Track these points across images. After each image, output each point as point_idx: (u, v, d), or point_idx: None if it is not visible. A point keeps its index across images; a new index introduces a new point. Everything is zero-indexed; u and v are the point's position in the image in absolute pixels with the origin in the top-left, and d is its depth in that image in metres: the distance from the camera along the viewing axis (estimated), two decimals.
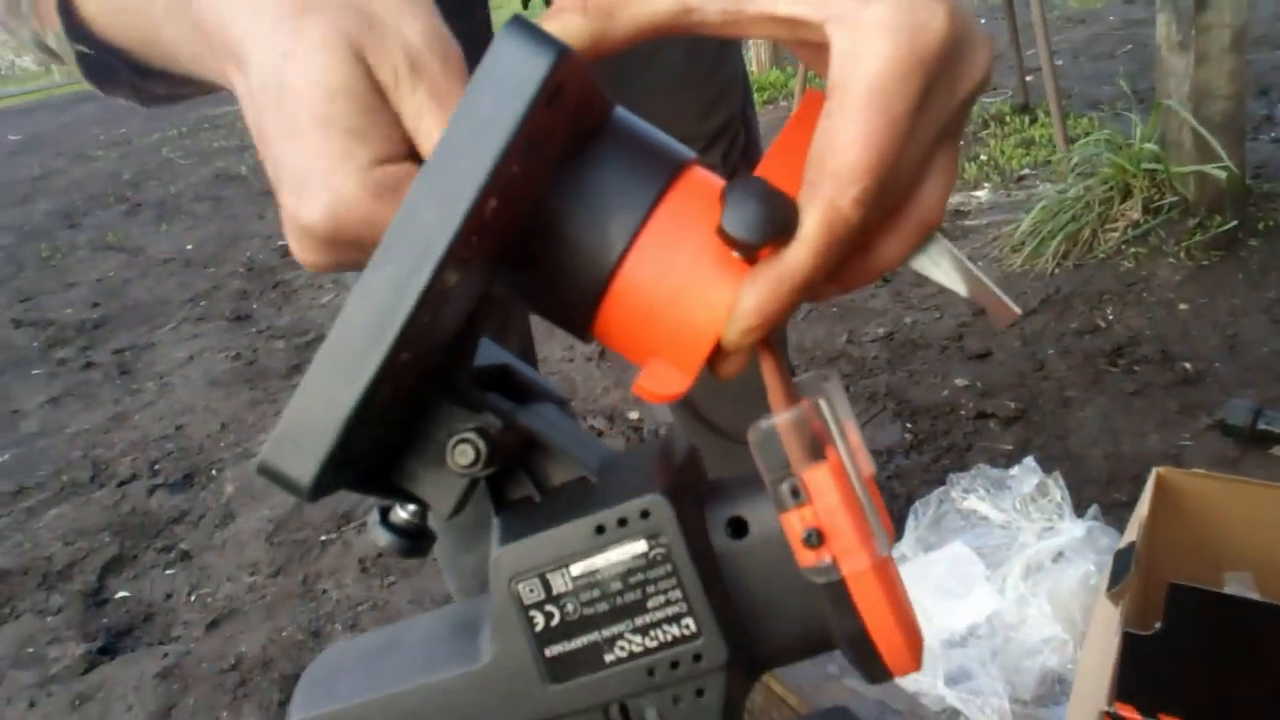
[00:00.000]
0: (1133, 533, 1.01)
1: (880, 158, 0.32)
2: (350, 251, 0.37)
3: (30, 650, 1.58)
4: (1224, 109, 1.75)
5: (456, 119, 0.32)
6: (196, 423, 2.30)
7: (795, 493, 0.32)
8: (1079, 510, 1.23)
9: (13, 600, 1.73)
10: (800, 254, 0.33)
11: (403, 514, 0.38)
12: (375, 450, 0.35)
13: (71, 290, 3.52)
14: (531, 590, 0.35)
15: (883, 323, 1.99)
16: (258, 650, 1.48)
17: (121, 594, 1.70)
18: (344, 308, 0.32)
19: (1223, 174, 1.73)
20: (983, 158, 2.67)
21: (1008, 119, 2.86)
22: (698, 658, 0.34)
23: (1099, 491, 1.41)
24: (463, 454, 0.35)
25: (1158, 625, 0.84)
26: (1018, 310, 0.40)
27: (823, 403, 0.33)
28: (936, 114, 0.33)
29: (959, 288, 0.38)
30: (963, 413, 1.64)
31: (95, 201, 4.88)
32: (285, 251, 3.50)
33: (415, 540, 0.38)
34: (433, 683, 0.37)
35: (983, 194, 2.41)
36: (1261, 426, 1.42)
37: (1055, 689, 1.07)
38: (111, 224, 4.37)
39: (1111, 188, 1.89)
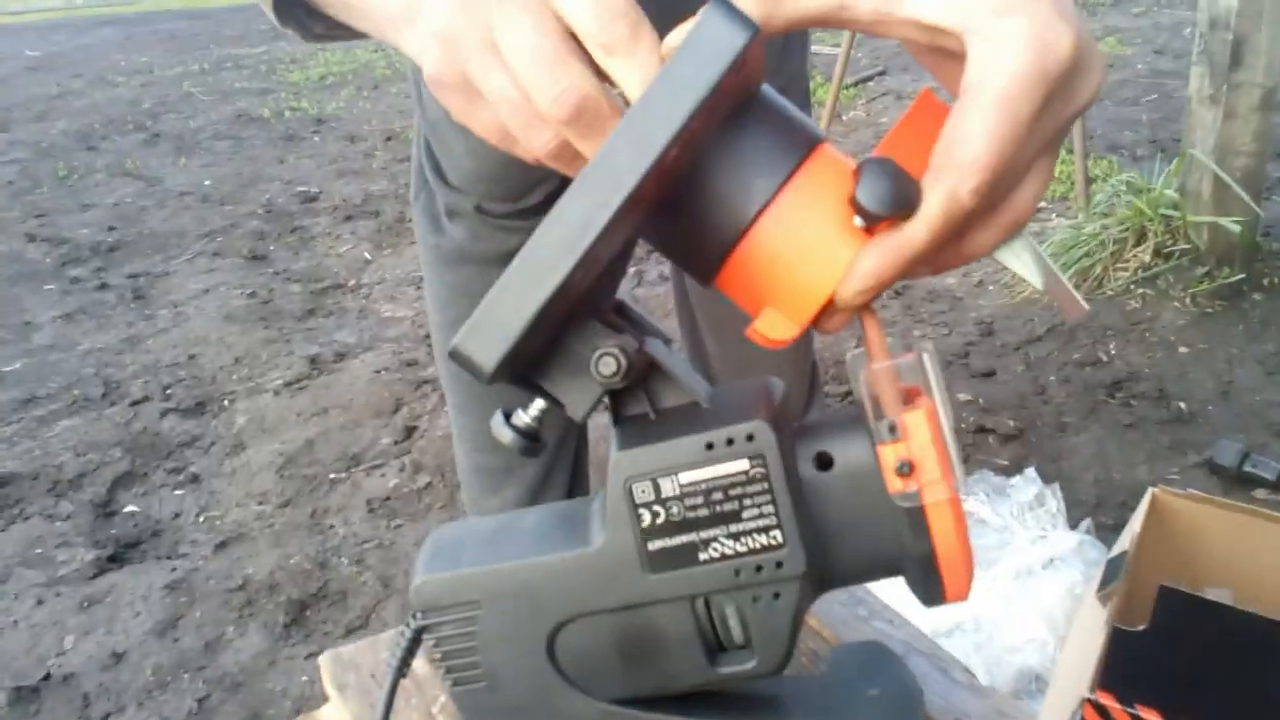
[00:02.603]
0: (1124, 543, 1.08)
1: (1001, 155, 0.36)
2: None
3: (39, 551, 1.62)
4: (1245, 165, 1.82)
5: (661, 77, 0.36)
6: (210, 354, 2.33)
7: (892, 429, 0.38)
8: (1071, 524, 1.29)
9: (22, 503, 1.76)
10: (919, 230, 0.37)
11: (524, 417, 0.43)
12: (533, 353, 0.41)
13: (87, 212, 3.53)
14: (644, 491, 0.40)
15: (891, 333, 2.05)
16: (265, 574, 1.53)
17: (130, 508, 1.74)
18: (542, 223, 0.37)
19: (1237, 228, 1.80)
20: None
21: None
22: (779, 565, 0.40)
23: (1086, 513, 1.47)
24: (606, 365, 0.40)
25: (1144, 625, 0.91)
26: (1086, 306, 0.45)
27: (925, 358, 0.39)
28: (1049, 124, 0.38)
29: (1036, 280, 0.42)
30: (963, 426, 1.70)
31: (114, 127, 4.87)
32: (304, 198, 3.52)
33: (530, 441, 0.43)
34: (547, 560, 0.42)
35: None
36: (1247, 469, 1.49)
37: (1032, 685, 1.14)
38: (129, 151, 4.37)
39: (1127, 229, 1.96)
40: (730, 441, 0.39)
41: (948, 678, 0.60)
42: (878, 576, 0.43)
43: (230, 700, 1.30)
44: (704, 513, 0.40)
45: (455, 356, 0.38)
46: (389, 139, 4.17)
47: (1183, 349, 1.82)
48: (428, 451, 1.83)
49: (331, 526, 1.65)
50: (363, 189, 3.55)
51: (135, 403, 2.10)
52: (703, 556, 0.40)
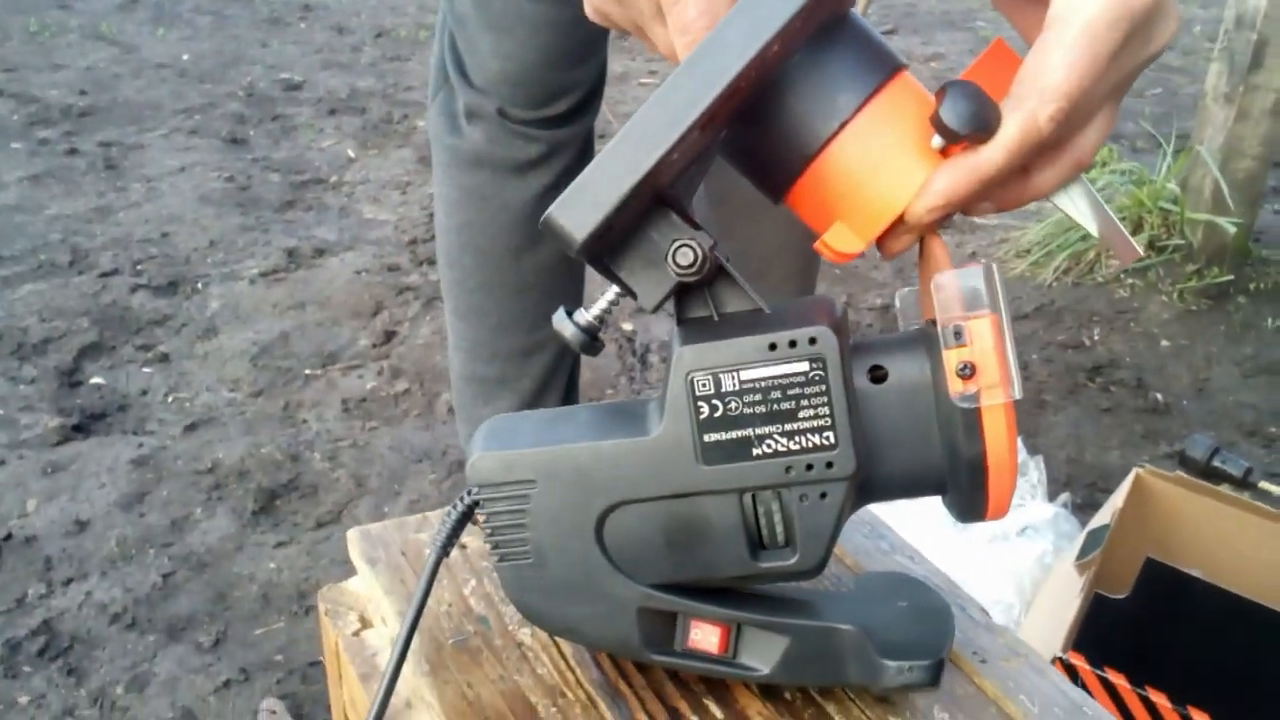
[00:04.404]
0: (1105, 517, 1.10)
1: (1079, 85, 0.37)
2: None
3: (1, 412, 1.57)
4: (1249, 168, 1.84)
5: None
6: (184, 234, 2.26)
7: (958, 334, 0.39)
8: (1049, 497, 1.32)
9: None
10: (995, 151, 0.38)
11: (586, 315, 0.44)
12: (616, 237, 0.41)
13: (58, 72, 3.38)
14: (704, 385, 0.41)
15: (882, 295, 2.06)
16: (235, 460, 1.50)
17: (96, 380, 1.70)
18: (646, 102, 0.38)
19: (1233, 229, 1.83)
20: None
21: None
22: (830, 465, 0.41)
23: (1056, 490, 1.50)
24: (683, 255, 0.41)
25: (1125, 593, 0.93)
26: (1140, 250, 0.47)
27: (994, 268, 0.40)
28: (1123, 64, 0.39)
29: (1090, 225, 0.44)
30: None
31: None
32: (287, 85, 3.41)
33: (591, 339, 0.44)
34: (604, 445, 0.43)
35: None
36: (1215, 464, 1.52)
37: None
38: (105, 14, 4.17)
39: (1125, 219, 1.98)
40: (793, 344, 0.40)
41: (965, 614, 0.60)
42: (919, 493, 0.44)
43: (195, 579, 1.28)
44: (761, 410, 0.41)
45: (547, 226, 0.39)
46: (379, 35, 4.04)
47: (1165, 342, 1.86)
48: (407, 358, 1.80)
49: (305, 421, 1.63)
50: (349, 83, 3.44)
51: (104, 274, 2.03)
52: (756, 452, 0.41)
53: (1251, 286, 1.97)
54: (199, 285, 2.04)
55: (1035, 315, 1.95)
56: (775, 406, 0.41)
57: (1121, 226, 0.44)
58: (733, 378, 0.41)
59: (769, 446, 0.41)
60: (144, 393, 1.67)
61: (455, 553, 0.58)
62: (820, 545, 0.42)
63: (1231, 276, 1.93)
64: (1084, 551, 1.04)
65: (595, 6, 0.45)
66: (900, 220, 0.41)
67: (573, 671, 0.49)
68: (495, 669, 0.49)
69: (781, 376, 0.40)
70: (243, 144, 2.87)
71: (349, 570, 0.58)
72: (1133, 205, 1.98)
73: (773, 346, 0.40)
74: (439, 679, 0.48)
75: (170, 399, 1.66)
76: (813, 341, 0.40)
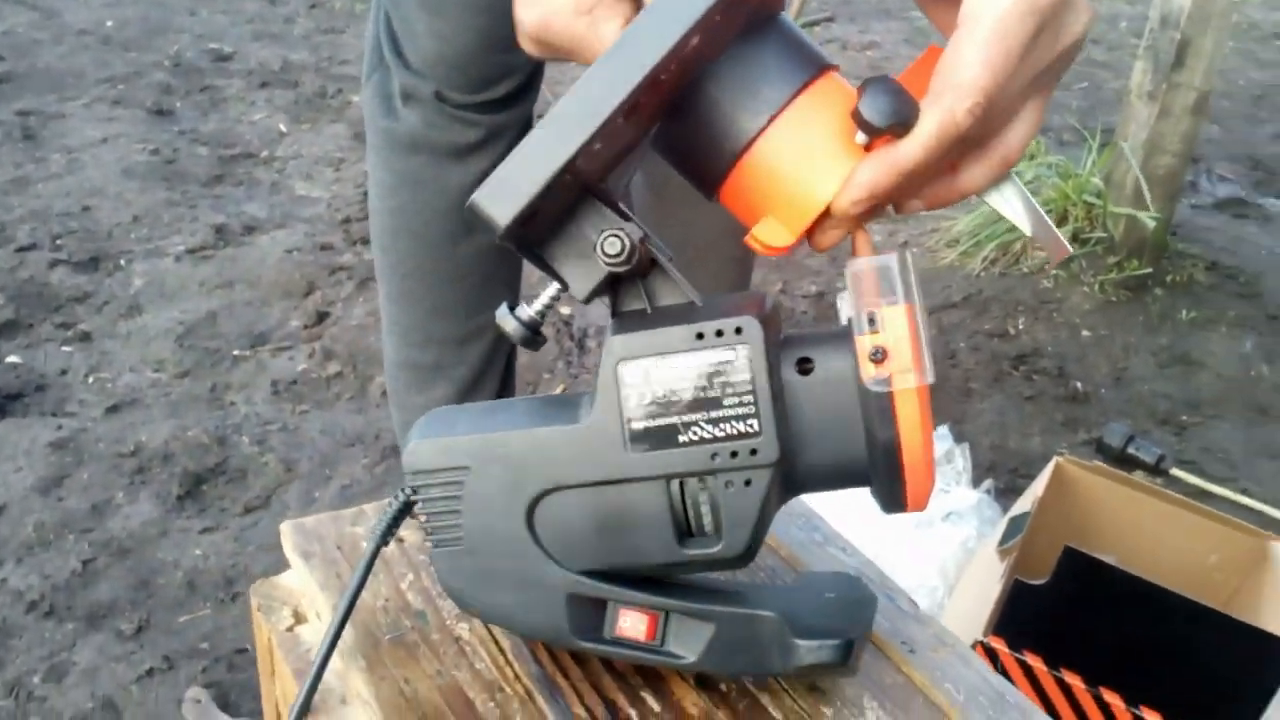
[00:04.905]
0: (1025, 504, 1.14)
1: (994, 80, 0.39)
2: (551, 51, 0.44)
3: None
4: (1169, 165, 1.91)
5: None
6: (106, 208, 2.18)
7: (871, 320, 0.40)
8: (974, 484, 1.36)
9: None
10: (914, 146, 0.40)
11: (529, 310, 0.45)
12: (545, 226, 0.42)
13: None
14: (632, 373, 0.42)
15: (816, 282, 2.09)
16: (159, 443, 1.46)
17: (12, 359, 1.63)
18: (570, 89, 0.39)
19: (1152, 224, 1.89)
20: None
21: None
22: (754, 452, 0.42)
23: (980, 476, 1.54)
24: (611, 245, 0.41)
25: (1044, 579, 0.97)
26: (1070, 249, 0.48)
27: (908, 256, 0.41)
28: (1038, 58, 0.41)
29: (1023, 224, 0.46)
30: None
31: None
32: (216, 56, 3.30)
33: (533, 334, 0.44)
34: (537, 431, 0.44)
35: None
36: (1130, 451, 1.59)
37: None
38: None
39: (1050, 211, 2.03)
40: (720, 333, 0.41)
41: (894, 605, 0.62)
42: (845, 484, 0.45)
43: (117, 565, 1.25)
44: (687, 397, 0.42)
45: (472, 211, 0.39)
46: (313, 6, 3.93)
47: (1085, 332, 1.92)
48: (340, 340, 1.77)
49: (233, 403, 1.59)
50: (281, 55, 3.35)
51: (21, 249, 1.95)
52: (682, 439, 0.42)
53: (1168, 279, 2.05)
54: (122, 262, 1.97)
55: (963, 304, 1.99)
56: (701, 394, 0.42)
57: (1052, 225, 0.46)
58: (660, 366, 0.42)
59: (695, 434, 0.42)
60: (63, 372, 1.62)
61: (393, 546, 0.58)
62: (744, 532, 0.43)
63: (1150, 269, 2.00)
64: (1005, 538, 1.08)
65: (523, 38, 0.46)
66: (827, 214, 0.42)
67: (511, 666, 0.49)
68: (433, 664, 0.49)
69: (707, 365, 0.41)
70: (169, 115, 2.77)
71: (278, 557, 0.57)
72: (1058, 198, 2.03)
73: (700, 336, 0.41)
74: (375, 675, 0.48)
75: (91, 379, 1.61)
76: (738, 331, 0.41)
